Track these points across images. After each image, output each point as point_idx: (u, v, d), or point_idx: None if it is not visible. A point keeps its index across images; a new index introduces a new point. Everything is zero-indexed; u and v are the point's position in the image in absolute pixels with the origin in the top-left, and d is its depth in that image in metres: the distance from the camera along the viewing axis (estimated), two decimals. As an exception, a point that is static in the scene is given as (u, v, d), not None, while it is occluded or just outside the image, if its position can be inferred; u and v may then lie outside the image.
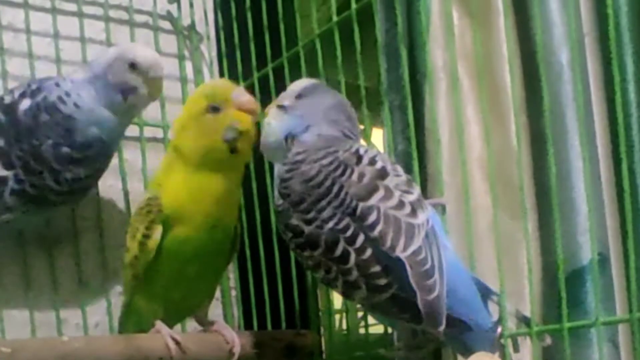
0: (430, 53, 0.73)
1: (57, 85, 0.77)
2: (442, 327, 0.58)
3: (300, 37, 0.83)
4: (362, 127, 0.73)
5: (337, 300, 1.14)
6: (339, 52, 0.78)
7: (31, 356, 0.65)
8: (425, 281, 0.58)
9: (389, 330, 0.80)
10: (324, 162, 0.63)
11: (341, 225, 0.61)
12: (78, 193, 0.80)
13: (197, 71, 0.98)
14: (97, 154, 0.77)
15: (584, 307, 0.64)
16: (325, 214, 0.61)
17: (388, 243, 0.60)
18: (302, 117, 0.67)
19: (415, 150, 0.72)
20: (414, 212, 0.61)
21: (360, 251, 0.60)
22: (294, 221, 0.63)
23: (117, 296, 0.90)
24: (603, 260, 0.64)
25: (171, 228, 0.74)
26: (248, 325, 0.92)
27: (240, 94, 0.73)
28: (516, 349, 0.63)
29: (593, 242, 0.60)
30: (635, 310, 0.55)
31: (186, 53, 0.98)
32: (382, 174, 0.62)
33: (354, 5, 0.75)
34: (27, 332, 0.83)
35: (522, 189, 0.64)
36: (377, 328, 1.21)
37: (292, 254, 0.84)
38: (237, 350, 0.77)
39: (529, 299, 0.64)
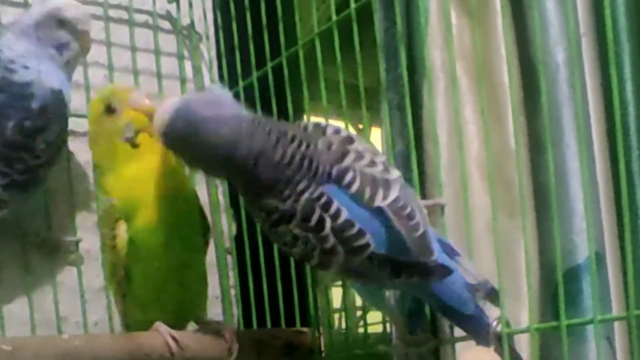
0: (428, 52, 0.73)
1: None
2: (434, 257, 0.60)
3: (299, 36, 0.83)
4: (360, 126, 0.74)
5: (336, 300, 1.14)
6: (337, 52, 0.78)
7: (32, 354, 0.65)
8: (409, 222, 0.61)
9: (388, 328, 0.80)
10: (286, 141, 0.63)
11: (316, 194, 0.62)
12: (57, 156, 0.80)
13: (197, 71, 0.98)
14: (55, 111, 0.78)
15: (579, 305, 0.64)
16: (301, 186, 0.62)
17: (367, 195, 0.61)
18: None
19: (413, 150, 0.72)
20: (386, 170, 0.63)
21: (335, 216, 0.61)
22: (269, 201, 0.63)
23: (117, 295, 0.90)
24: (599, 259, 0.64)
25: (134, 219, 0.74)
26: (247, 324, 0.92)
27: (138, 96, 0.76)
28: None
29: (590, 241, 0.61)
30: (633, 307, 0.55)
31: (185, 53, 0.98)
32: (349, 140, 0.64)
33: (353, 5, 0.76)
34: (27, 330, 0.84)
35: (520, 188, 0.64)
36: (376, 327, 1.21)
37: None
38: (235, 348, 0.77)
39: (527, 297, 0.65)
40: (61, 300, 0.86)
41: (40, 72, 0.77)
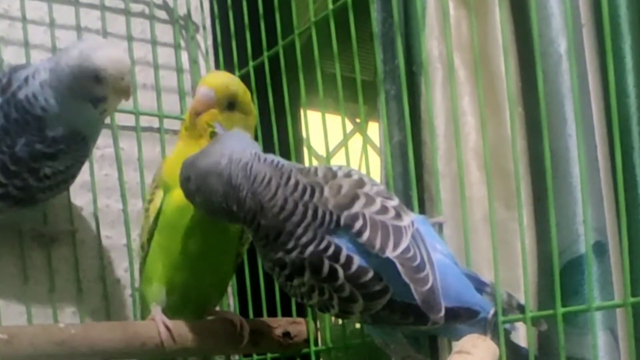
0: (426, 43, 0.73)
1: (26, 82, 0.74)
2: (441, 314, 0.59)
3: (296, 25, 0.83)
4: (357, 120, 0.74)
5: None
6: (334, 42, 0.78)
7: (28, 343, 0.65)
8: (417, 275, 0.59)
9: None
10: (288, 190, 0.63)
11: (322, 246, 0.61)
12: (62, 185, 0.79)
13: (193, 60, 0.98)
14: (70, 146, 0.76)
15: (581, 296, 0.64)
16: (305, 239, 0.61)
17: (377, 245, 0.60)
18: None
19: (410, 141, 0.72)
20: (398, 216, 0.62)
21: (346, 265, 0.60)
22: (277, 254, 0.63)
23: (113, 284, 0.90)
24: (601, 248, 0.64)
25: (171, 193, 0.75)
26: (244, 315, 0.92)
27: (203, 95, 0.75)
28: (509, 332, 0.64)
29: (588, 231, 0.61)
30: (630, 295, 0.55)
31: (182, 42, 0.98)
32: (360, 183, 0.63)
33: (349, -6, 0.75)
34: (23, 320, 0.83)
35: (516, 179, 0.64)
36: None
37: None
38: (246, 333, 0.77)
39: (523, 287, 0.65)
40: (57, 289, 0.86)
41: (61, 115, 0.74)
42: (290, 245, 0.62)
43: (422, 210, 0.73)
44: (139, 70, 0.93)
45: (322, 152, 0.92)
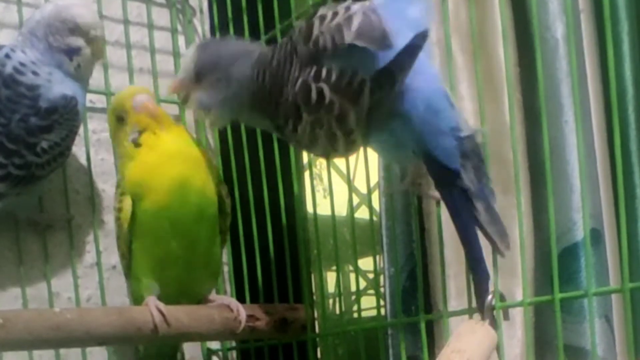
0: (424, 28, 0.73)
1: (8, 56, 0.76)
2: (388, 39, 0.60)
3: (293, 9, 0.83)
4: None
5: (331, 285, 1.14)
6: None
7: (23, 327, 0.65)
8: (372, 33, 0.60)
9: (382, 312, 0.80)
10: (279, 52, 0.66)
11: (305, 73, 0.62)
12: (59, 159, 0.80)
13: (190, 45, 0.97)
14: (63, 115, 0.77)
15: (576, 283, 0.64)
16: (294, 77, 0.63)
17: (335, 39, 0.61)
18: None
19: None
20: (347, 9, 0.62)
21: (327, 77, 0.61)
22: (283, 113, 0.65)
23: (109, 270, 0.90)
24: (597, 235, 0.64)
25: (143, 202, 0.76)
26: (240, 301, 0.91)
27: (139, 100, 0.77)
28: (506, 316, 0.64)
29: (586, 218, 0.61)
30: (627, 280, 0.55)
31: (179, 26, 0.97)
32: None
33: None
34: (18, 305, 0.83)
35: (515, 165, 0.64)
36: (370, 312, 1.22)
37: (285, 230, 0.84)
38: (243, 318, 0.78)
39: (520, 274, 0.65)
40: (53, 275, 0.86)
41: (51, 80, 0.77)
42: (286, 93, 0.64)
43: (420, 196, 0.73)
44: (135, 54, 0.93)
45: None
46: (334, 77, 0.61)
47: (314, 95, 0.62)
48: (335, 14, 0.63)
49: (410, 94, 0.60)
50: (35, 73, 0.76)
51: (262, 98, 0.67)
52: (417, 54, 0.59)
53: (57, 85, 0.77)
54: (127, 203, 0.76)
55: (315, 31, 0.63)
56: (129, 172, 0.77)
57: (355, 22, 0.61)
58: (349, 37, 0.61)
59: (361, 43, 0.60)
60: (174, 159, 0.76)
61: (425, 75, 0.61)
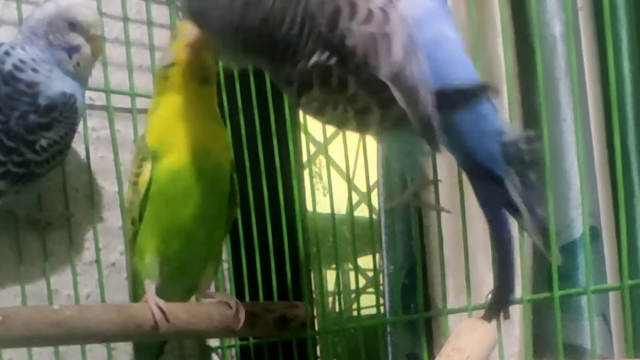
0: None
1: (8, 53, 0.77)
2: (437, 139, 0.55)
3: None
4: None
5: (330, 284, 1.14)
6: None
7: (22, 324, 0.65)
8: (412, 97, 0.55)
9: (382, 310, 0.80)
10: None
11: (324, 57, 0.57)
12: (58, 157, 0.80)
13: (190, 43, 0.97)
14: (62, 113, 0.77)
15: (574, 281, 0.64)
16: (308, 48, 0.57)
17: (372, 66, 0.56)
18: None
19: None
20: (386, 19, 0.56)
21: (356, 72, 0.56)
22: (285, 70, 0.60)
23: (109, 268, 0.90)
24: (595, 233, 0.65)
25: (160, 161, 0.76)
26: (240, 299, 0.91)
27: (190, 31, 0.75)
28: (506, 315, 0.64)
29: (585, 215, 0.61)
30: (626, 278, 0.55)
31: (178, 24, 0.97)
32: None
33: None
34: (18, 302, 0.83)
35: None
36: (369, 310, 1.22)
37: (284, 228, 0.85)
38: (242, 315, 0.78)
39: (519, 271, 0.65)
40: (52, 273, 0.86)
41: (50, 78, 0.77)
42: (297, 56, 0.58)
43: (419, 194, 0.73)
44: (134, 51, 0.93)
45: (319, 137, 0.91)
46: (364, 75, 0.56)
47: (334, 81, 0.57)
48: (370, 12, 0.56)
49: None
50: (35, 70, 0.76)
51: (252, 29, 0.60)
52: (470, 103, 0.55)
53: (56, 83, 0.77)
54: (147, 168, 0.76)
55: (343, 23, 0.56)
56: (152, 124, 0.77)
57: (395, 56, 0.55)
58: (384, 70, 0.55)
59: (394, 90, 0.55)
60: (196, 121, 0.76)
61: (466, 74, 0.57)
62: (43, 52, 0.77)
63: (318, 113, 0.61)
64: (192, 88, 0.76)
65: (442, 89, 0.55)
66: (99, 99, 0.90)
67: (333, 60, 0.57)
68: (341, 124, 0.61)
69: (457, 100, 0.55)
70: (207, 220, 0.77)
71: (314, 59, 0.57)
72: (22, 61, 0.76)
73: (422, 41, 0.56)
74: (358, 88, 0.56)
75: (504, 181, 0.55)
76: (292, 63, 0.59)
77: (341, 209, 1.09)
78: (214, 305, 0.79)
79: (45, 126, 0.76)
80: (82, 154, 0.88)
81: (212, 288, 0.84)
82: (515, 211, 0.56)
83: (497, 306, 0.58)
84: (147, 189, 0.76)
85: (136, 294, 0.81)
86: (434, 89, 0.55)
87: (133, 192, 0.78)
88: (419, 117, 0.54)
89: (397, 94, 0.55)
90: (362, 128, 0.61)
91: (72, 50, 0.78)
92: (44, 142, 0.77)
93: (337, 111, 0.59)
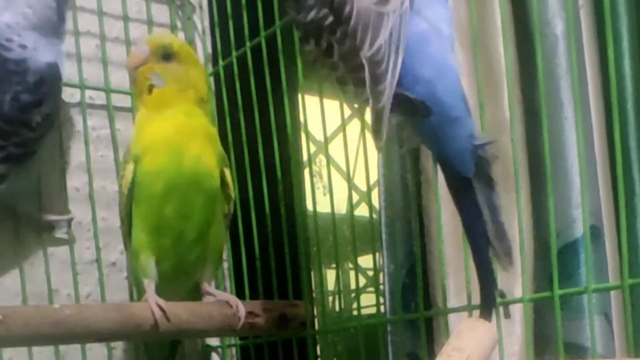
0: (424, 24, 0.72)
1: None
2: (383, 140, 0.56)
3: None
4: (356, 105, 0.72)
5: (330, 283, 1.14)
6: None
7: (23, 323, 0.65)
8: (376, 87, 0.55)
9: (382, 309, 0.80)
10: None
11: (321, 14, 0.58)
12: (50, 128, 0.80)
13: (190, 41, 0.97)
14: (51, 85, 0.78)
15: (575, 280, 0.64)
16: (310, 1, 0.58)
17: (357, 40, 0.56)
18: None
19: (408, 122, 0.71)
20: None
21: (341, 42, 0.57)
22: (291, 13, 0.61)
23: (109, 267, 0.90)
24: (596, 232, 0.64)
25: (142, 164, 0.77)
26: (240, 297, 0.91)
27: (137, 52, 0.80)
28: (507, 314, 0.64)
29: (586, 214, 0.61)
30: (627, 277, 0.55)
31: (178, 23, 0.97)
32: None
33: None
34: (18, 301, 0.83)
35: (514, 162, 0.64)
36: (369, 309, 1.22)
37: (284, 227, 0.84)
38: (242, 314, 0.78)
39: (520, 271, 0.65)
40: (52, 272, 0.86)
41: (37, 48, 0.77)
42: (300, 5, 0.59)
43: (419, 193, 0.73)
44: (135, 50, 0.92)
45: (319, 137, 0.91)
46: (346, 48, 0.56)
47: (323, 43, 0.58)
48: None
49: (432, 98, 0.57)
50: (22, 46, 0.76)
51: None
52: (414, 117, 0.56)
53: (41, 54, 0.77)
54: (129, 169, 0.78)
55: (347, 7, 0.56)
56: (135, 128, 0.81)
57: (380, 38, 0.55)
58: (365, 49, 0.55)
59: (366, 72, 0.55)
60: (173, 125, 0.78)
61: (448, 78, 0.58)
62: (30, 19, 0.77)
63: (314, 66, 0.62)
64: (166, 94, 0.78)
65: (398, 93, 0.56)
66: (99, 98, 0.90)
67: (327, 22, 0.58)
68: (330, 85, 0.62)
69: (407, 109, 0.57)
70: (194, 217, 0.78)
71: (312, 14, 0.58)
72: (8, 40, 0.76)
73: (411, 32, 0.57)
74: (339, 59, 0.58)
75: (472, 183, 0.58)
76: (296, 11, 0.60)
77: (341, 208, 1.10)
78: (214, 304, 0.79)
79: (38, 102, 0.77)
80: (82, 153, 0.88)
81: (212, 283, 0.84)
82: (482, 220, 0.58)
83: (485, 304, 0.59)
84: (131, 190, 0.78)
85: (138, 293, 0.81)
86: (398, 89, 0.56)
87: (120, 193, 0.80)
88: (375, 109, 0.55)
89: (367, 78, 0.55)
90: (345, 96, 0.62)
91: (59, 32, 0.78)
92: (38, 118, 0.77)
93: (323, 72, 0.60)
